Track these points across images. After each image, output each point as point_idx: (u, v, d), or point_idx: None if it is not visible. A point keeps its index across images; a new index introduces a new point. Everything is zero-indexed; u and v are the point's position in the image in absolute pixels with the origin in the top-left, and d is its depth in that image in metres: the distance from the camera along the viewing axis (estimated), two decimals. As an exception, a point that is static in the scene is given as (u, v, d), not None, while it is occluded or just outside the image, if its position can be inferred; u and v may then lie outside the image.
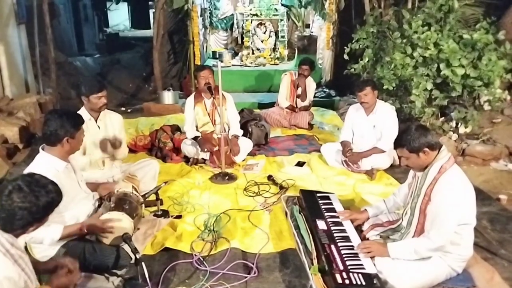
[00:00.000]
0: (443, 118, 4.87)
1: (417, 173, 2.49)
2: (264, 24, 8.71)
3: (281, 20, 8.70)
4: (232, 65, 8.27)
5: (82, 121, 2.60)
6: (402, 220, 2.55)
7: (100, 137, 3.39)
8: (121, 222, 2.54)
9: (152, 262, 2.72)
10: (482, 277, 2.48)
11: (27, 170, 2.43)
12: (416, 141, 2.29)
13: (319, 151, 4.55)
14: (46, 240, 2.40)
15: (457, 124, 4.75)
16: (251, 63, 8.25)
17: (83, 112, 3.32)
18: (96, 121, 3.38)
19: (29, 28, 6.17)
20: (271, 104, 6.18)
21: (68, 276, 1.92)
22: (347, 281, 2.16)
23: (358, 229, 2.76)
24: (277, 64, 8.37)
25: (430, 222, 2.30)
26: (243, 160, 4.45)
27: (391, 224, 2.65)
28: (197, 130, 4.37)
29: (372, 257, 2.38)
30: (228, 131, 4.35)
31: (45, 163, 2.45)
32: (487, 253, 2.80)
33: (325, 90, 7.18)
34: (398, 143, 2.38)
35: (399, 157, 2.44)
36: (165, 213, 3.30)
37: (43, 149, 2.50)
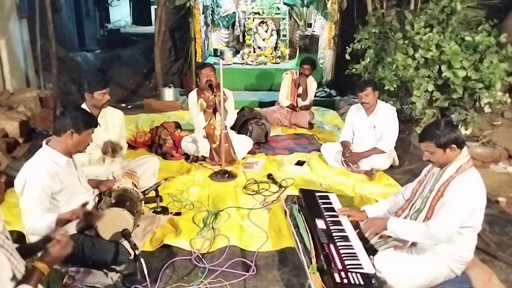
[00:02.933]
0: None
1: (433, 170, 2.49)
2: (266, 22, 8.71)
3: (283, 19, 8.69)
4: (234, 63, 8.27)
5: (95, 124, 2.61)
6: (409, 215, 2.55)
7: (101, 135, 3.37)
8: (113, 222, 2.55)
9: (151, 258, 2.72)
10: (480, 279, 2.49)
11: (28, 163, 2.45)
12: (446, 136, 2.27)
13: (319, 150, 4.56)
14: (43, 229, 2.40)
15: (457, 126, 4.75)
16: (252, 61, 8.25)
17: (84, 108, 3.32)
18: (97, 117, 3.38)
19: (30, 23, 6.17)
20: (272, 103, 6.18)
21: (59, 248, 1.90)
22: (345, 281, 2.16)
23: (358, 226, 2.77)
24: (278, 63, 8.36)
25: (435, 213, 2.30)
26: (243, 159, 4.45)
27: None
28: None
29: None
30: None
31: (46, 157, 2.45)
32: (486, 255, 2.81)
33: (326, 89, 7.18)
34: (426, 137, 2.34)
35: (424, 151, 2.39)
36: (164, 210, 3.31)
37: (47, 143, 2.50)
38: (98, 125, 2.69)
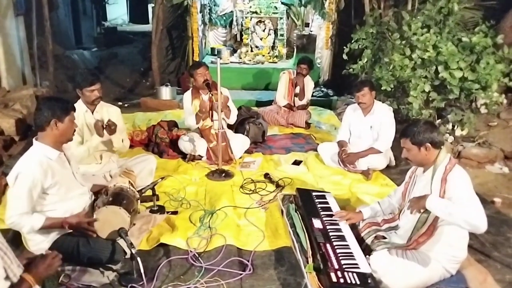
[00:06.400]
0: (439, 120, 4.89)
1: (416, 172, 2.51)
2: (264, 22, 8.71)
3: (281, 18, 8.70)
4: (231, 62, 8.27)
5: (73, 108, 2.58)
6: (399, 219, 2.56)
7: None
8: (109, 220, 2.54)
9: (147, 257, 2.72)
10: (475, 279, 2.50)
11: (21, 158, 2.45)
12: (421, 134, 2.34)
13: (316, 150, 4.56)
14: (25, 227, 2.40)
15: (453, 126, 4.77)
16: (250, 60, 8.24)
17: (79, 104, 3.31)
18: (92, 113, 3.38)
19: (27, 20, 6.14)
20: (269, 102, 6.19)
21: (45, 264, 1.90)
22: (341, 280, 2.17)
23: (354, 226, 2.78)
24: (276, 62, 8.37)
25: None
26: (240, 158, 4.45)
27: (387, 222, 2.66)
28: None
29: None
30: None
31: (38, 152, 2.45)
32: (481, 255, 2.83)
33: (323, 89, 7.19)
34: (403, 133, 2.44)
35: (402, 148, 2.47)
36: (161, 209, 3.30)
37: (36, 139, 2.50)
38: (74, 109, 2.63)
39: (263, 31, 8.71)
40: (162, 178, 3.51)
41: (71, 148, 2.82)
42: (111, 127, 3.30)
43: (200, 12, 7.94)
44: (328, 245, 2.47)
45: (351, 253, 2.42)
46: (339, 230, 2.68)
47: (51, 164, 2.46)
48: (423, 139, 2.34)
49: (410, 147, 2.40)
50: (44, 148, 2.47)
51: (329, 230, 2.65)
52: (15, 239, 2.63)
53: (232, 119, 4.39)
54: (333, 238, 2.56)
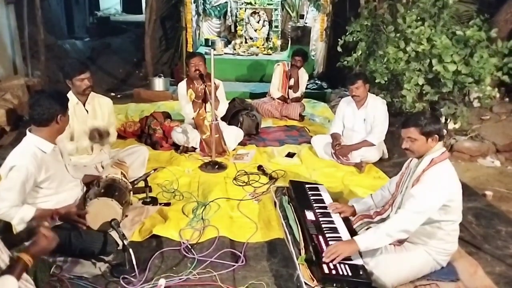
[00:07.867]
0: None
1: (411, 164, 2.51)
2: (258, 13, 8.65)
3: (275, 9, 8.65)
4: (225, 53, 8.22)
5: (68, 100, 2.61)
6: (392, 210, 2.57)
7: (89, 122, 3.33)
8: (101, 212, 2.53)
9: (139, 249, 2.71)
10: (466, 271, 2.52)
11: (15, 151, 2.41)
12: (432, 125, 2.30)
13: (309, 142, 4.57)
14: (15, 219, 2.38)
15: (446, 119, 4.79)
16: (244, 52, 8.20)
17: (70, 96, 3.25)
18: (84, 105, 3.33)
19: (18, 9, 6.04)
20: (263, 94, 6.17)
21: (44, 241, 1.89)
22: (333, 272, 2.18)
23: (347, 219, 2.79)
24: (270, 54, 8.33)
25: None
26: (234, 150, 4.44)
27: (379, 214, 2.67)
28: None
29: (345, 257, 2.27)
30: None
31: (32, 145, 2.42)
32: (472, 247, 2.85)
33: (317, 82, 7.18)
34: (410, 123, 2.35)
35: (404, 138, 2.39)
36: (153, 200, 3.29)
37: (30, 131, 2.46)
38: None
39: (258, 22, 8.66)
40: (154, 170, 3.49)
41: (63, 141, 2.79)
42: (104, 135, 3.33)
43: (194, 2, 7.88)
44: (320, 237, 2.48)
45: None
46: (331, 222, 2.69)
47: (44, 158, 2.44)
48: (433, 129, 2.30)
49: (417, 137, 2.32)
50: (38, 141, 2.43)
51: (321, 222, 2.66)
52: (6, 228, 2.60)
53: (221, 111, 4.36)
54: (325, 230, 2.57)
